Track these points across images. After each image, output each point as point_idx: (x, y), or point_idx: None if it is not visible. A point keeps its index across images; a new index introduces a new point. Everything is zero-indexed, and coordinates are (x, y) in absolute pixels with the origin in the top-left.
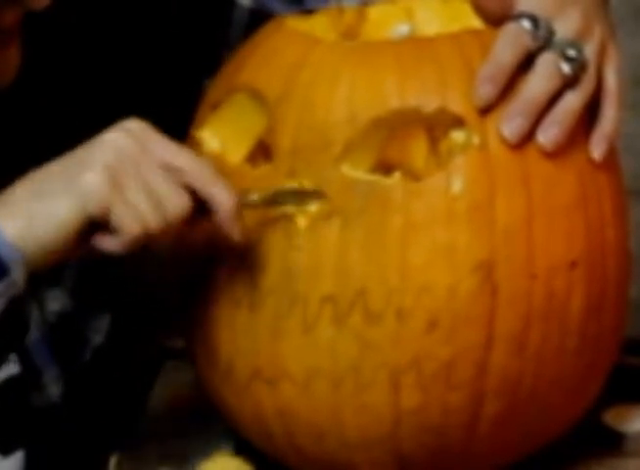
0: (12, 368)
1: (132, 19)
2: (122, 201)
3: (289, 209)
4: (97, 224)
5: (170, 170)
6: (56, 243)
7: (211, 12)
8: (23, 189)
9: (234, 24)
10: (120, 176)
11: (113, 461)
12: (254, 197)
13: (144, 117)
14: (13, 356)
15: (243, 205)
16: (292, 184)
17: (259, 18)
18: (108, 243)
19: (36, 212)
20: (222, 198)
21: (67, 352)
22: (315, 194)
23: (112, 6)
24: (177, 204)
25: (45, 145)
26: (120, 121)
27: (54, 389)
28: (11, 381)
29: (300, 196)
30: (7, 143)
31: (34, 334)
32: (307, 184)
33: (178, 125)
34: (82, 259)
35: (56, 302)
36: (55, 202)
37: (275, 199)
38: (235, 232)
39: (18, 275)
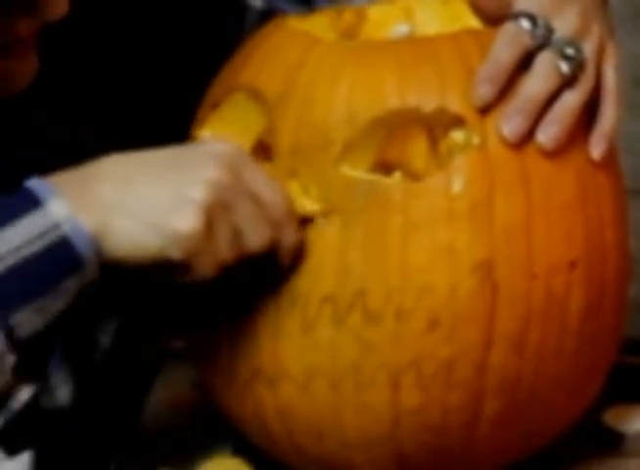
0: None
1: (142, 19)
2: (209, 248)
3: None
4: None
5: (256, 203)
6: (124, 260)
7: (223, 14)
8: (110, 192)
9: (245, 26)
10: (214, 221)
11: (113, 461)
12: None
13: (155, 118)
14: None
15: None
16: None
17: (270, 19)
18: (181, 276)
19: (116, 227)
20: (290, 240)
21: (78, 353)
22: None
23: (119, 7)
24: (256, 241)
25: (49, 146)
26: (214, 143)
27: (62, 391)
28: None
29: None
30: (14, 145)
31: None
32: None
33: (187, 126)
34: None
35: None
36: (139, 228)
37: None
38: (285, 265)
39: (91, 270)
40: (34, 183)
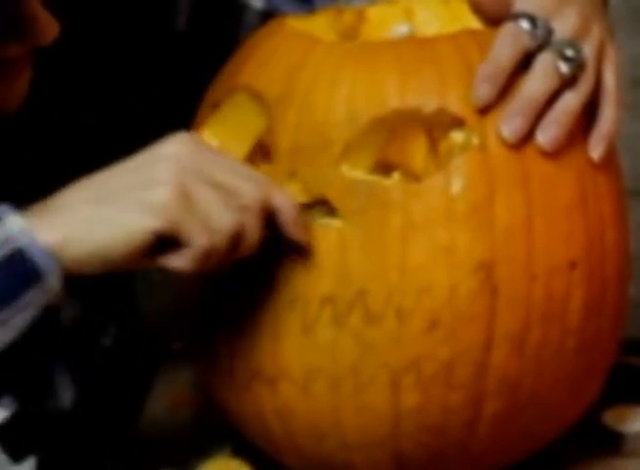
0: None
1: (141, 19)
2: (192, 213)
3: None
4: (162, 244)
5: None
6: (115, 252)
7: (222, 14)
8: (78, 195)
9: (245, 26)
10: (188, 188)
11: (110, 462)
12: None
13: (151, 119)
14: None
15: None
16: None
17: (270, 19)
18: (176, 261)
19: (97, 218)
20: (283, 202)
21: (81, 356)
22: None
23: (119, 7)
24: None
25: (50, 158)
26: (170, 135)
27: (66, 394)
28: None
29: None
30: (11, 165)
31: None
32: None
33: (187, 126)
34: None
35: (71, 307)
36: (121, 212)
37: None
38: (299, 233)
39: (53, 283)
40: None
